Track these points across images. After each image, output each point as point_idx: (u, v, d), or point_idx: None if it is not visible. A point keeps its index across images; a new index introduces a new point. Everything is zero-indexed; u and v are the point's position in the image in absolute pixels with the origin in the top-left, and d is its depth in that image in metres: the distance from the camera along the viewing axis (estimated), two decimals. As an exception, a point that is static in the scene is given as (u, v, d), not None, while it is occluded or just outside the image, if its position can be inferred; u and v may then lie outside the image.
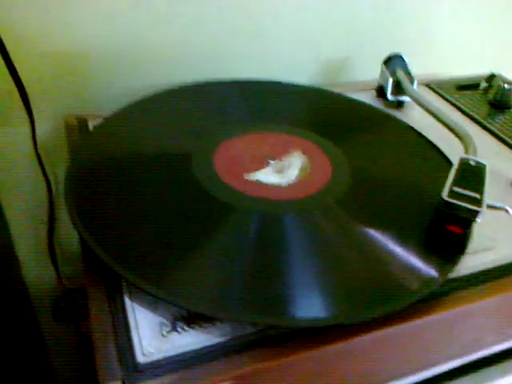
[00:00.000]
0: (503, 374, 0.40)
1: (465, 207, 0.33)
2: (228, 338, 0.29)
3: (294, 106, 0.53)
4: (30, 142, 0.54)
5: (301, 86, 0.56)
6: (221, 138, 0.44)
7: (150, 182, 0.39)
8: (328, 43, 0.62)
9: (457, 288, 0.34)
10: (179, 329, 0.29)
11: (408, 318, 0.31)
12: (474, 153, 0.42)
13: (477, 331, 0.36)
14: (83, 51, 0.52)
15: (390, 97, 0.55)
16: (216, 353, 0.28)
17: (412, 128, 0.50)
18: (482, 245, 0.37)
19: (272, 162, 0.42)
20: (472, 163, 0.38)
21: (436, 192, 0.35)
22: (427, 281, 0.32)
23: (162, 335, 0.29)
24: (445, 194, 0.34)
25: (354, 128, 0.50)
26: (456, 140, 0.46)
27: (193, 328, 0.29)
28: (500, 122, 0.54)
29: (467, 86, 0.62)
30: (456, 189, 0.35)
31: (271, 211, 0.37)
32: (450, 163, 0.44)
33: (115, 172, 0.40)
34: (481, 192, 0.35)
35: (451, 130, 0.47)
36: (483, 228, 0.37)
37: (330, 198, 0.38)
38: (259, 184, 0.39)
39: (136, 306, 0.31)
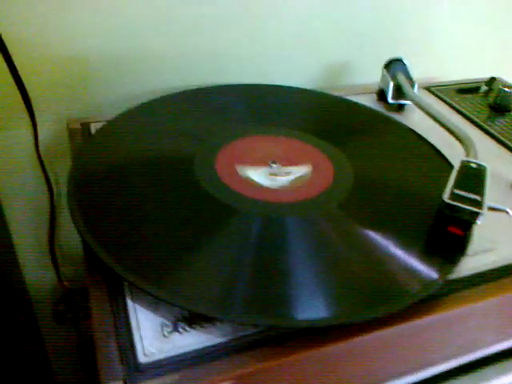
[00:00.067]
0: (502, 373, 0.40)
1: (466, 209, 0.34)
2: (229, 338, 0.29)
3: (295, 109, 0.53)
4: (32, 145, 0.55)
5: (302, 89, 0.57)
6: (222, 141, 0.45)
7: (151, 184, 0.39)
8: (329, 46, 0.63)
9: (457, 289, 0.34)
10: (180, 329, 0.29)
11: (408, 319, 0.31)
12: (475, 155, 0.42)
13: (476, 331, 0.36)
14: (85, 56, 0.52)
15: (390, 100, 0.56)
16: (217, 353, 0.28)
17: (413, 131, 0.50)
18: (483, 246, 0.37)
19: (274, 165, 0.42)
20: (473, 166, 0.39)
21: (437, 194, 0.35)
22: (427, 282, 0.33)
23: (164, 335, 0.29)
24: (446, 196, 0.34)
25: (356, 131, 0.50)
26: (456, 143, 0.46)
27: (194, 328, 0.30)
28: (500, 125, 0.54)
29: (467, 90, 0.62)
30: (457, 191, 0.35)
31: (272, 213, 0.37)
32: (450, 166, 0.44)
33: (117, 175, 0.40)
34: (481, 194, 0.35)
35: (452, 132, 0.47)
36: (484, 230, 0.37)
37: (332, 201, 0.39)
38: (261, 186, 0.40)
39: (137, 306, 0.31)
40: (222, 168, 0.41)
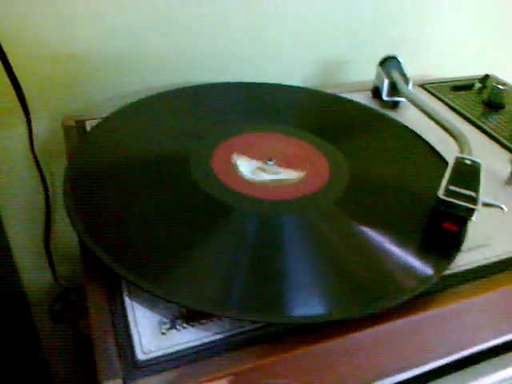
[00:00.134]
0: (497, 368, 0.40)
1: (461, 205, 0.34)
2: (227, 334, 0.29)
3: (292, 107, 0.53)
4: (27, 144, 0.54)
5: (298, 87, 0.57)
6: (219, 139, 0.45)
7: (148, 182, 0.39)
8: (326, 45, 0.63)
9: (452, 285, 0.34)
10: (178, 326, 0.30)
11: (404, 315, 0.31)
12: (469, 152, 0.42)
13: (472, 327, 0.37)
14: (81, 54, 0.52)
15: (385, 97, 0.56)
16: (215, 349, 0.29)
17: (408, 128, 0.50)
18: (477, 242, 0.38)
19: (270, 162, 0.42)
20: (467, 162, 0.39)
21: (432, 191, 0.36)
22: (423, 278, 0.33)
23: (162, 333, 0.29)
24: (441, 193, 0.35)
25: (351, 129, 0.50)
26: (451, 140, 0.46)
27: (192, 325, 0.30)
28: (494, 121, 0.55)
29: (461, 87, 0.62)
30: (452, 187, 0.35)
31: (269, 211, 0.37)
32: (445, 162, 0.44)
33: (113, 173, 0.40)
34: (476, 190, 0.35)
35: (446, 129, 0.48)
36: (478, 226, 0.37)
37: (328, 198, 0.39)
38: (258, 184, 0.40)
39: (135, 304, 0.31)
40: (219, 166, 0.41)
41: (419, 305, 0.32)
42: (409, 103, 0.54)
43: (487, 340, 0.39)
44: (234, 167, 0.41)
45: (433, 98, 0.60)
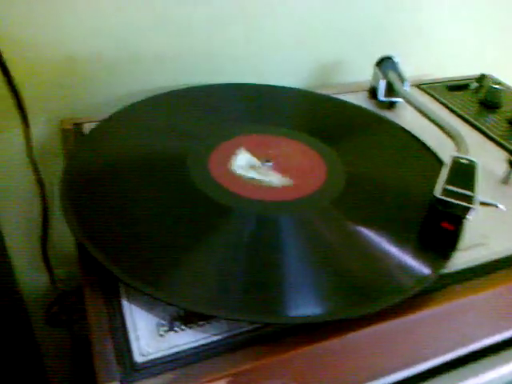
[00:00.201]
0: (494, 366, 0.40)
1: (458, 204, 0.34)
2: (225, 336, 0.29)
3: (289, 108, 0.53)
4: (24, 147, 0.54)
5: (295, 89, 0.57)
6: (216, 141, 0.45)
7: (145, 184, 0.39)
8: (322, 45, 0.63)
9: (449, 283, 0.34)
10: (176, 328, 0.30)
11: (402, 314, 0.32)
12: (466, 152, 0.43)
13: (469, 325, 0.37)
14: (78, 56, 0.52)
15: (382, 98, 0.56)
16: (213, 351, 0.29)
17: (404, 129, 0.50)
18: (474, 241, 0.38)
19: (267, 163, 0.42)
20: (464, 162, 0.39)
21: (428, 191, 0.36)
22: (420, 277, 0.33)
23: (160, 335, 0.29)
24: (438, 192, 0.35)
25: (348, 130, 0.50)
26: (448, 139, 0.46)
27: (190, 327, 0.30)
28: (490, 121, 0.55)
29: (458, 87, 0.62)
30: (448, 187, 0.35)
31: (267, 212, 0.37)
32: (441, 162, 0.44)
33: (111, 175, 0.40)
34: (473, 189, 0.35)
35: (443, 129, 0.48)
36: (475, 224, 0.37)
37: (325, 199, 0.39)
38: (255, 185, 0.40)
39: (133, 306, 0.31)
40: (216, 167, 0.41)
41: (416, 304, 0.32)
42: (405, 103, 0.54)
43: (484, 338, 0.39)
44: (231, 159, 0.40)
45: (429, 98, 0.60)
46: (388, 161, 0.45)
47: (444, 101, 0.59)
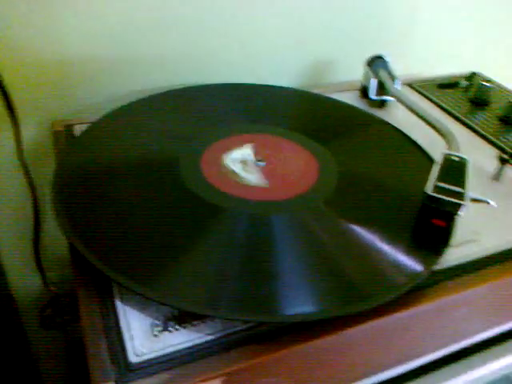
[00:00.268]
0: (487, 361, 0.40)
1: (449, 201, 0.34)
2: (219, 335, 0.29)
3: (281, 108, 0.53)
4: (15, 149, 0.54)
5: (287, 88, 0.57)
6: (208, 141, 0.45)
7: (137, 185, 0.39)
8: (313, 45, 0.63)
9: (442, 280, 0.35)
10: (171, 328, 0.30)
11: (395, 310, 0.32)
12: (457, 149, 0.43)
13: (462, 321, 0.37)
14: (70, 58, 0.52)
15: (373, 97, 0.56)
16: (208, 350, 0.29)
17: (395, 128, 0.50)
18: (466, 237, 0.38)
19: (260, 163, 0.42)
20: (454, 159, 0.39)
21: (420, 188, 0.36)
22: (413, 274, 0.33)
23: (154, 335, 0.29)
24: (429, 189, 0.35)
25: (340, 129, 0.50)
26: (439, 137, 0.47)
27: (184, 327, 0.30)
28: (480, 118, 0.55)
29: (448, 85, 0.63)
30: (440, 184, 0.36)
31: (259, 212, 0.37)
32: (432, 160, 0.45)
33: (102, 176, 0.40)
34: (464, 186, 0.36)
35: (433, 127, 0.48)
36: (466, 221, 0.38)
37: (318, 198, 0.39)
38: (247, 186, 0.40)
39: (127, 307, 0.31)
40: (208, 167, 0.41)
41: (410, 300, 0.33)
42: (397, 102, 0.55)
43: (477, 333, 0.39)
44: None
45: (420, 96, 0.60)
46: (379, 159, 0.46)
47: (434, 99, 0.59)
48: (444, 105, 0.58)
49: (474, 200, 0.36)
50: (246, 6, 0.57)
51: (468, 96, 0.60)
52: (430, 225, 0.35)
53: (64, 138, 0.48)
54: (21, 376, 0.65)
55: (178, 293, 0.30)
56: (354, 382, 0.35)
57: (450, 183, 0.36)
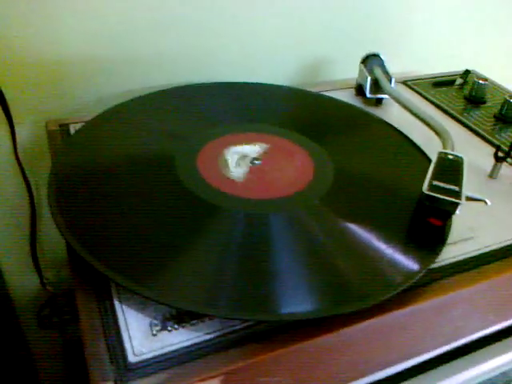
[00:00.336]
0: (486, 359, 0.41)
1: (445, 200, 0.34)
2: (218, 334, 0.30)
3: (276, 106, 0.53)
4: (10, 149, 0.54)
5: (283, 86, 0.57)
6: (204, 140, 0.45)
7: (134, 184, 0.39)
8: (309, 43, 0.63)
9: (439, 278, 0.35)
10: (169, 327, 0.30)
11: (393, 309, 0.32)
12: (452, 147, 0.43)
13: (460, 319, 0.37)
14: (64, 56, 0.52)
15: (368, 95, 0.56)
16: (206, 349, 0.29)
17: (391, 126, 0.51)
18: (462, 235, 0.38)
19: (256, 161, 0.43)
20: (450, 157, 0.39)
21: (416, 186, 0.36)
22: (410, 272, 0.33)
23: (153, 334, 0.29)
24: (425, 188, 0.35)
25: (335, 127, 0.50)
26: (434, 135, 0.47)
27: (182, 326, 0.30)
28: (476, 116, 0.56)
29: (443, 83, 0.63)
30: (436, 182, 0.36)
31: (256, 210, 0.37)
32: (428, 158, 0.45)
33: (98, 175, 0.40)
34: (459, 185, 0.36)
35: (429, 125, 0.48)
36: (463, 219, 0.38)
37: (314, 196, 0.39)
38: (244, 184, 0.40)
39: (125, 306, 0.31)
40: (205, 166, 0.41)
41: (407, 299, 0.33)
42: (392, 100, 0.55)
43: (475, 331, 0.39)
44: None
45: (415, 94, 0.61)
46: (376, 157, 0.46)
47: (430, 97, 0.59)
48: (439, 103, 0.58)
49: (471, 199, 0.36)
50: (245, 6, 0.57)
51: (463, 94, 0.60)
52: (427, 223, 0.36)
53: (59, 137, 0.48)
54: (18, 376, 0.64)
55: (176, 292, 0.30)
56: (352, 380, 0.35)
57: (446, 182, 0.36)
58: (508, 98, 0.54)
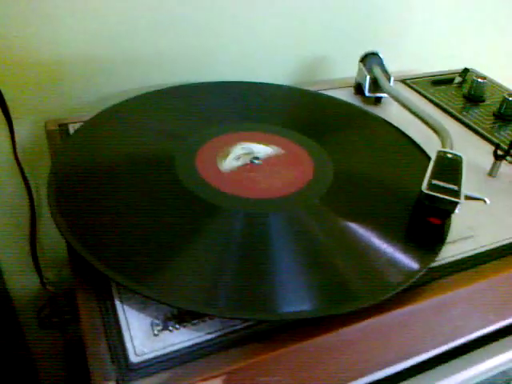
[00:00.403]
0: (484, 358, 0.41)
1: (444, 199, 0.34)
2: (219, 334, 0.30)
3: (276, 105, 0.53)
4: (9, 149, 0.54)
5: (282, 86, 0.57)
6: (203, 139, 0.45)
7: (133, 183, 0.39)
8: (312, 44, 0.63)
9: (438, 277, 0.35)
10: (170, 327, 0.30)
11: (392, 308, 0.32)
12: (451, 146, 0.43)
13: (459, 318, 0.37)
14: (63, 56, 0.52)
15: (367, 93, 0.57)
16: (208, 349, 0.29)
17: (390, 124, 0.51)
18: (461, 234, 0.38)
19: (256, 161, 0.43)
20: (449, 156, 0.39)
21: (415, 185, 0.36)
22: (410, 271, 0.33)
23: (154, 334, 0.29)
24: (424, 187, 0.35)
25: (335, 126, 0.50)
26: (433, 134, 0.47)
27: (184, 326, 0.30)
28: (475, 114, 0.56)
29: (442, 81, 0.63)
30: (435, 181, 0.36)
31: (256, 210, 0.37)
32: (427, 157, 0.45)
33: (98, 175, 0.40)
34: (458, 184, 0.36)
35: (428, 124, 0.48)
36: (462, 218, 0.38)
37: (313, 195, 0.39)
38: (243, 183, 0.40)
39: (126, 306, 0.31)
40: (204, 165, 0.41)
41: (407, 298, 0.33)
42: (391, 99, 0.55)
43: (475, 330, 0.39)
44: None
45: (414, 92, 0.61)
46: (375, 156, 0.46)
47: (428, 95, 0.60)
48: (438, 101, 0.58)
49: (470, 198, 0.36)
50: (245, 6, 0.57)
51: (462, 92, 0.60)
52: (426, 222, 0.36)
53: (59, 136, 0.48)
54: (19, 376, 0.64)
55: (177, 292, 0.30)
56: (352, 380, 0.35)
57: (445, 181, 0.36)
58: (507, 97, 0.54)
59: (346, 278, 0.33)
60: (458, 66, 0.65)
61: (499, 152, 0.45)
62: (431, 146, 0.45)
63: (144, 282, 0.31)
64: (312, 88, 0.57)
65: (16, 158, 0.54)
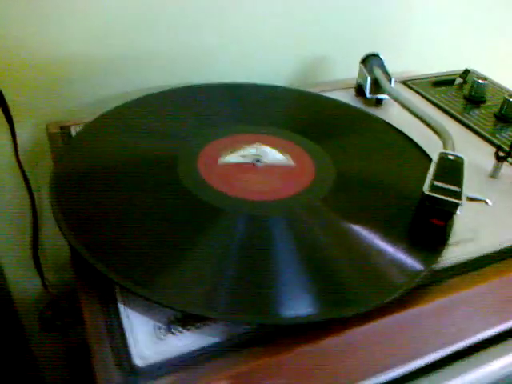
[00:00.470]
0: (485, 361, 0.41)
1: (446, 200, 0.35)
2: (222, 338, 0.30)
3: (276, 107, 0.53)
4: (11, 152, 0.54)
5: (282, 87, 0.57)
6: (204, 141, 0.45)
7: (136, 186, 0.39)
8: (312, 45, 0.63)
9: (441, 279, 0.35)
10: (174, 331, 0.30)
11: (395, 311, 0.32)
12: (452, 147, 0.43)
13: (462, 320, 0.37)
14: (64, 58, 0.52)
15: (368, 95, 0.57)
16: (211, 353, 0.29)
17: (391, 126, 0.51)
18: (464, 236, 0.38)
19: (257, 163, 0.43)
20: (450, 157, 0.40)
21: (417, 187, 0.36)
22: (412, 273, 0.33)
23: (158, 338, 0.29)
24: (426, 189, 0.35)
25: (336, 128, 0.51)
26: (434, 135, 0.47)
27: (188, 329, 0.30)
28: (475, 115, 0.56)
29: (443, 82, 0.63)
30: (436, 183, 0.36)
31: (258, 212, 0.37)
32: (429, 158, 0.45)
33: (100, 177, 0.40)
34: (460, 185, 0.36)
35: (429, 125, 0.48)
36: (464, 220, 0.38)
37: (315, 197, 0.39)
38: (245, 186, 0.40)
39: (130, 310, 0.31)
40: (205, 167, 0.41)
41: (409, 300, 0.33)
42: (392, 100, 0.55)
43: (478, 332, 0.39)
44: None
45: (415, 94, 0.61)
46: (376, 158, 0.46)
47: (429, 97, 0.60)
48: (439, 102, 0.58)
49: (472, 199, 0.36)
50: (245, 5, 0.57)
51: (463, 93, 0.60)
52: (428, 224, 0.36)
53: (60, 139, 0.48)
54: (21, 379, 0.64)
55: (180, 295, 0.30)
56: (357, 382, 0.35)
57: (446, 182, 0.36)
58: (508, 98, 0.54)
59: (349, 280, 0.33)
60: (459, 66, 0.65)
61: (501, 153, 0.45)
62: (432, 147, 0.45)
63: (146, 284, 0.31)
64: (313, 89, 0.58)
65: (18, 161, 0.54)
